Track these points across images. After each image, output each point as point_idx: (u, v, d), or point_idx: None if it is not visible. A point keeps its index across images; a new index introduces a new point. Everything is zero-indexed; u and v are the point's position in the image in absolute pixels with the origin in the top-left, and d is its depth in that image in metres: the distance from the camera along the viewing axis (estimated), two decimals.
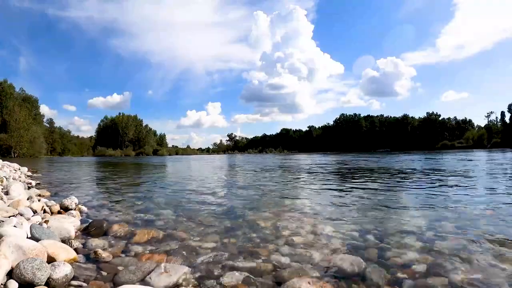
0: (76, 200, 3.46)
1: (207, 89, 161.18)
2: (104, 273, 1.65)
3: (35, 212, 2.84)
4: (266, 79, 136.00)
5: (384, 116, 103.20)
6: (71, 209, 3.17)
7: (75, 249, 1.96)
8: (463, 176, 6.78)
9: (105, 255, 1.89)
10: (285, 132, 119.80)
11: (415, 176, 7.19)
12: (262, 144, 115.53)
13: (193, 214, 3.13)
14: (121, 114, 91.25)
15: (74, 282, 1.51)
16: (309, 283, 1.48)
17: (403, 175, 7.56)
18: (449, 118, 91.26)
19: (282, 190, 5.28)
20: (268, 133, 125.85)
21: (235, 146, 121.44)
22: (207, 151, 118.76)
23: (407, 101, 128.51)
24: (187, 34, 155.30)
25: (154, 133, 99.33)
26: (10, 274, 1.42)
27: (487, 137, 70.91)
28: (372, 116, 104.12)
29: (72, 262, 1.73)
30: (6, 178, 5.31)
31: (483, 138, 71.54)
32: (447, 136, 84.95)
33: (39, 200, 3.36)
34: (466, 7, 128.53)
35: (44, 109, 77.73)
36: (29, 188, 5.19)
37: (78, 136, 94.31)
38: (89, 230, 2.44)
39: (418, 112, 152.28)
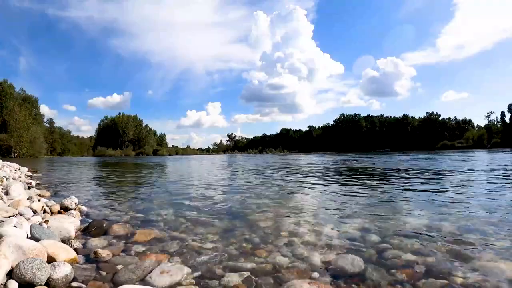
0: (76, 200, 3.46)
1: (207, 89, 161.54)
2: (104, 273, 1.65)
3: (35, 212, 2.83)
4: (266, 79, 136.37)
5: (384, 116, 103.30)
6: (71, 209, 3.17)
7: (75, 249, 1.96)
8: (463, 176, 6.77)
9: (105, 255, 1.89)
10: (285, 132, 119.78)
11: (415, 176, 7.18)
12: (262, 144, 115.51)
13: (193, 214, 3.13)
14: (121, 114, 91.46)
15: (74, 282, 1.51)
16: (309, 283, 1.48)
17: (403, 175, 7.56)
18: (449, 118, 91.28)
19: (282, 190, 5.28)
20: (268, 133, 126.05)
21: (235, 146, 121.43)
22: (207, 151, 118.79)
23: (407, 101, 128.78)
24: (187, 34, 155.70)
25: (154, 133, 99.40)
26: (10, 274, 1.42)
27: (487, 137, 70.88)
28: (372, 116, 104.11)
29: (72, 262, 1.72)
30: (6, 178, 5.31)
31: (483, 138, 71.51)
32: (447, 136, 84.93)
33: (39, 200, 3.36)
34: (466, 7, 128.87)
35: (44, 109, 77.96)
36: (29, 188, 5.19)
37: (78, 136, 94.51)
38: (89, 230, 2.44)
39: (418, 112, 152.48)
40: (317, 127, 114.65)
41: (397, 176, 7.26)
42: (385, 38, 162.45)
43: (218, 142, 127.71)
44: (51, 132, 73.39)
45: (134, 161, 26.52)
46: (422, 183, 5.79)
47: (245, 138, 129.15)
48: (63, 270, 1.51)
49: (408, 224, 2.64)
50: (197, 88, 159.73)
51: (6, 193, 3.46)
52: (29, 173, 8.99)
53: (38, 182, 6.49)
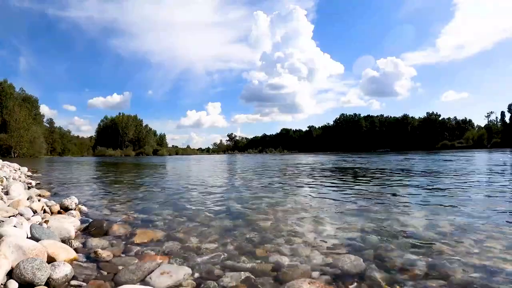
0: (76, 200, 3.46)
1: (207, 89, 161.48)
2: (104, 273, 1.65)
3: (35, 212, 2.84)
4: (266, 79, 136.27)
5: (384, 116, 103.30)
6: (71, 209, 3.17)
7: (75, 249, 1.96)
8: (463, 176, 6.77)
9: (105, 255, 1.88)
10: (285, 132, 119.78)
11: (415, 176, 7.19)
12: (262, 144, 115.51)
13: (193, 214, 3.13)
14: (121, 114, 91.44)
15: (74, 282, 1.51)
16: (309, 283, 1.48)
17: (403, 175, 7.56)
18: (449, 118, 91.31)
19: (282, 189, 5.28)
20: (268, 133, 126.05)
21: (235, 146, 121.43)
22: (207, 151, 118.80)
23: (407, 101, 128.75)
24: (187, 34, 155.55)
25: (154, 133, 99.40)
26: (10, 274, 1.42)
27: (487, 137, 70.92)
28: (372, 116, 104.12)
29: (72, 262, 1.72)
30: (6, 178, 5.31)
31: (483, 138, 71.54)
32: (447, 136, 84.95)
33: (39, 200, 3.36)
34: (466, 7, 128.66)
35: (44, 109, 77.92)
36: (29, 188, 5.19)
37: (78, 136, 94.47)
38: (89, 230, 2.44)
39: (418, 112, 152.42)
40: (317, 127, 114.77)
41: (397, 176, 7.26)
42: (385, 38, 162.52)
43: (218, 142, 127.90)
44: (51, 132, 73.39)
45: (134, 161, 26.52)
46: (422, 183, 5.79)
47: (245, 138, 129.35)
48: (63, 270, 1.51)
49: (407, 224, 2.64)
50: (197, 88, 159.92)
51: (6, 193, 3.46)
52: (29, 173, 8.99)
53: (38, 182, 6.49)
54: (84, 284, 1.51)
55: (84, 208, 3.36)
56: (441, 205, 3.49)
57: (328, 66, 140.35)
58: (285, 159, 24.24)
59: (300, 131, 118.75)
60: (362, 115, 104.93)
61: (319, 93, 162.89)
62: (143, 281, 1.55)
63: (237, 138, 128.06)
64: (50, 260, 1.64)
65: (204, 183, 6.43)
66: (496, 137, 68.61)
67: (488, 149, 46.10)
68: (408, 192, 4.64)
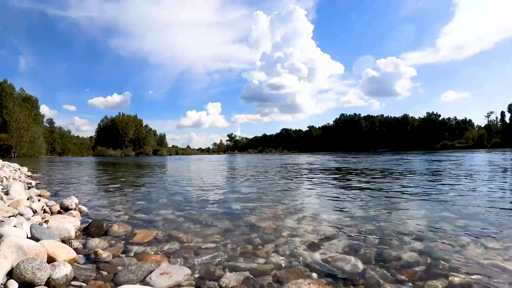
0: (76, 200, 3.46)
1: (207, 89, 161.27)
2: (104, 273, 1.65)
3: (35, 212, 2.84)
4: (266, 79, 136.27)
5: (384, 116, 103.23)
6: (71, 209, 3.18)
7: (75, 249, 1.96)
8: (463, 176, 6.78)
9: (105, 255, 1.89)
10: (285, 132, 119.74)
11: (414, 176, 7.18)
12: (262, 144, 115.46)
13: (193, 214, 3.13)
14: (121, 114, 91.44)
15: (74, 282, 1.51)
16: (309, 283, 1.48)
17: (403, 175, 7.56)
18: (449, 118, 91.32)
19: (282, 190, 5.28)
20: (268, 133, 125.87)
21: (235, 146, 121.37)
22: (207, 151, 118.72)
23: (407, 101, 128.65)
24: (187, 34, 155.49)
25: (154, 133, 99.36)
26: (10, 274, 1.42)
27: (487, 137, 70.93)
28: (372, 116, 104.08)
29: (72, 262, 1.72)
30: (6, 178, 5.31)
31: (483, 138, 71.54)
32: (447, 136, 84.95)
33: (39, 200, 3.37)
34: (466, 7, 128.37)
35: (44, 109, 77.49)
36: (29, 188, 5.19)
37: (78, 136, 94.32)
38: (89, 230, 2.44)
39: (418, 112, 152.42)
40: (317, 127, 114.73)
41: (397, 176, 7.26)
42: (385, 38, 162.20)
43: (218, 142, 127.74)
44: (51, 132, 73.42)
45: (134, 161, 26.52)
46: (422, 183, 5.78)
47: (245, 138, 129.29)
48: (63, 270, 1.51)
49: (407, 224, 2.64)
50: (197, 88, 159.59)
51: (6, 193, 3.46)
52: (29, 173, 9.00)
53: (38, 182, 6.50)
54: (84, 284, 1.51)
55: (84, 208, 3.36)
56: (441, 204, 3.49)
57: (328, 66, 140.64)
58: (285, 159, 24.24)
59: (300, 131, 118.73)
60: (362, 115, 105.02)
61: (319, 93, 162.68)
62: (143, 281, 1.55)
63: (237, 138, 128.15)
64: (50, 260, 1.64)
65: (204, 183, 6.43)
66: (496, 137, 68.64)
67: (488, 149, 46.10)
68: (408, 192, 4.64)
